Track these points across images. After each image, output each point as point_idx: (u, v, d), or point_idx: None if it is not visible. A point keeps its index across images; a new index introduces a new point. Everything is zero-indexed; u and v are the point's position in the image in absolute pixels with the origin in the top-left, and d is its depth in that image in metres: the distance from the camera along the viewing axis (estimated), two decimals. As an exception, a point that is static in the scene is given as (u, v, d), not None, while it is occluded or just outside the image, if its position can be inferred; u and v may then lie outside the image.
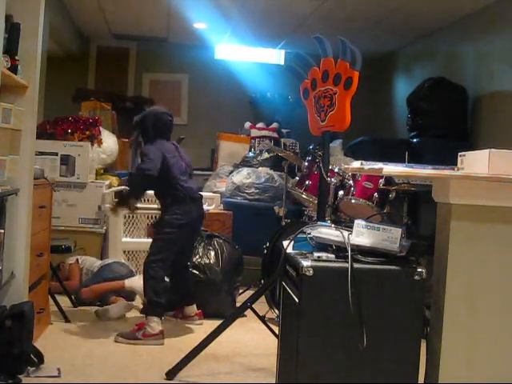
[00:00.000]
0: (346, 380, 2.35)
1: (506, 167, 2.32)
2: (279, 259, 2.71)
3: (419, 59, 7.46)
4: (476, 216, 2.37)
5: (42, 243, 3.90)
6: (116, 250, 5.41)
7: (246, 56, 8.36)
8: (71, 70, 8.00)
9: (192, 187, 4.12)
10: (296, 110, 7.16)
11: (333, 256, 2.40)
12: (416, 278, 2.35)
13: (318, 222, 3.00)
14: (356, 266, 2.33)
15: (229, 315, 3.40)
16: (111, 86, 8.06)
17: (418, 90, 6.34)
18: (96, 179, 5.59)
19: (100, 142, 5.59)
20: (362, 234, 2.45)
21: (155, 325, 3.84)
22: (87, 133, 5.43)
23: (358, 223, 2.48)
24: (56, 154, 5.29)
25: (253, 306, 3.35)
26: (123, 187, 4.87)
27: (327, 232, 2.50)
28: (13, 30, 3.15)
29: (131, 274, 4.81)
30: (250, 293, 4.43)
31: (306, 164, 4.70)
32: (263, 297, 4.10)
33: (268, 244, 4.57)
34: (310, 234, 2.52)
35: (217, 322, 3.28)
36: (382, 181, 4.29)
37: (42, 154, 5.06)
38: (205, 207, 4.76)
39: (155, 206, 4.78)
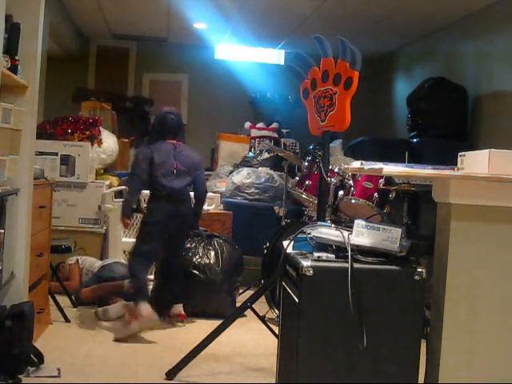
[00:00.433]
0: (346, 380, 2.35)
1: (506, 167, 2.32)
2: (279, 259, 2.70)
3: (419, 59, 7.46)
4: (476, 216, 2.36)
5: (42, 243, 3.90)
6: (116, 250, 5.42)
7: (246, 56, 8.36)
8: (71, 69, 8.01)
9: (173, 186, 4.13)
10: (296, 110, 7.16)
11: (333, 256, 2.40)
12: (416, 277, 2.34)
13: (318, 222, 3.00)
14: (356, 265, 2.33)
15: (229, 315, 3.39)
16: (111, 86, 8.06)
17: (418, 90, 6.34)
18: (96, 179, 5.60)
19: (100, 142, 5.59)
20: (361, 234, 2.45)
21: (144, 308, 3.89)
22: (87, 133, 5.44)
23: (358, 223, 2.48)
24: (56, 154, 5.30)
25: (253, 306, 3.35)
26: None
27: (327, 232, 2.50)
28: (13, 30, 3.15)
29: (131, 274, 4.80)
30: (249, 293, 4.42)
31: (306, 164, 4.69)
32: (263, 297, 4.10)
33: (268, 244, 4.57)
34: (309, 234, 2.52)
35: (217, 322, 3.28)
36: (382, 181, 4.29)
37: (42, 153, 5.07)
38: (205, 207, 4.77)
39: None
